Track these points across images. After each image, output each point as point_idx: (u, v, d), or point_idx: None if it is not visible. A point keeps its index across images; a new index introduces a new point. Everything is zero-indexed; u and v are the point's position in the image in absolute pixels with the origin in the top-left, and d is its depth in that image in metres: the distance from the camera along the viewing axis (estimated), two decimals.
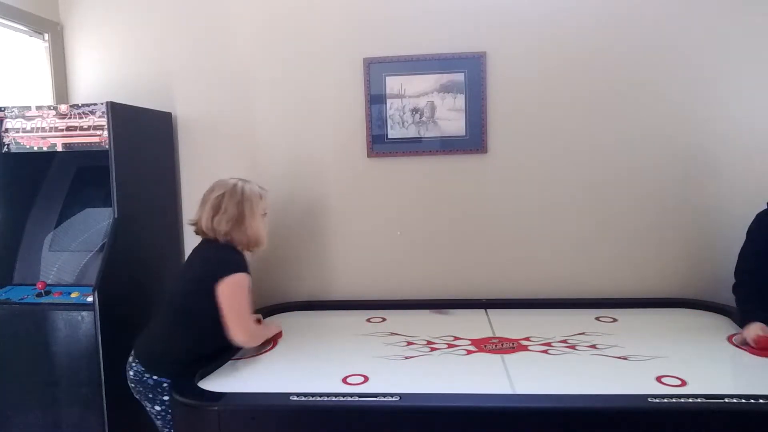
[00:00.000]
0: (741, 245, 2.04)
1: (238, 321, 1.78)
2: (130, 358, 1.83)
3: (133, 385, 1.81)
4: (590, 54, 2.42)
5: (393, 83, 2.51)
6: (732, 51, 2.35)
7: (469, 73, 2.46)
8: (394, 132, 2.53)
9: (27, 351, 2.14)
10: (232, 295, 1.78)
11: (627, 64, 2.40)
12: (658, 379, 1.61)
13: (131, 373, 1.81)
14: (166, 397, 1.74)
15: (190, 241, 2.70)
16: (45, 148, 2.22)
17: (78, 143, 2.20)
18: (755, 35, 2.34)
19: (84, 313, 2.08)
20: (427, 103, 2.50)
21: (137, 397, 1.82)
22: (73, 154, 2.26)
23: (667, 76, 2.39)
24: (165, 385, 1.75)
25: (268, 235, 2.02)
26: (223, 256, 1.86)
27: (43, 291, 2.15)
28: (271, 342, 2.03)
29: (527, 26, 2.43)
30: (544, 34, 2.43)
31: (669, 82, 2.39)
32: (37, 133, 2.22)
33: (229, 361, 1.87)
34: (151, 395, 1.77)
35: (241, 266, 1.83)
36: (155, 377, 1.76)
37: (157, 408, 1.77)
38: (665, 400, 1.42)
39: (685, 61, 2.37)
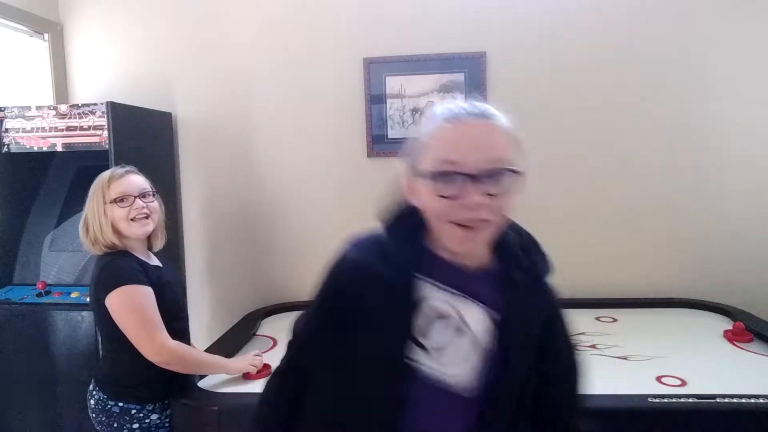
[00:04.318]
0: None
1: (140, 338, 1.49)
2: (90, 386, 1.62)
3: (94, 415, 1.59)
4: (590, 54, 2.42)
5: (393, 83, 2.50)
6: (733, 51, 2.35)
7: (469, 73, 2.46)
8: (394, 132, 2.53)
9: (27, 351, 2.14)
10: (121, 309, 1.49)
11: (627, 64, 2.40)
12: (658, 379, 1.61)
13: (92, 402, 1.60)
14: (135, 425, 1.55)
15: (191, 241, 2.71)
16: (45, 148, 2.22)
17: (78, 143, 2.20)
18: (756, 35, 2.34)
19: (84, 313, 2.08)
20: (427, 103, 2.50)
21: (98, 428, 1.59)
22: (73, 154, 2.26)
23: (667, 76, 2.39)
24: (134, 412, 1.55)
25: (154, 222, 1.64)
26: (98, 272, 1.56)
27: (43, 291, 2.15)
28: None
29: (527, 26, 2.43)
30: (544, 34, 2.43)
31: (669, 81, 2.39)
32: (37, 133, 2.22)
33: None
34: (116, 425, 1.55)
35: (124, 277, 1.51)
36: (120, 404, 1.55)
37: None
38: (665, 400, 1.42)
39: (685, 60, 2.37)
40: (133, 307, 1.50)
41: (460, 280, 0.88)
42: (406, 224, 0.90)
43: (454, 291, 0.87)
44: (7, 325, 2.14)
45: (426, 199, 0.84)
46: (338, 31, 2.53)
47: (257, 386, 1.67)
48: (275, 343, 2.06)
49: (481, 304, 0.88)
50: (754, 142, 2.37)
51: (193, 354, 1.65)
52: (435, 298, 0.86)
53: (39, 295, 2.14)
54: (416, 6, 2.48)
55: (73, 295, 2.12)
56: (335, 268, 0.94)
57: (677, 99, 2.39)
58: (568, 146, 2.46)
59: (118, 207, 1.56)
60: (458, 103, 0.89)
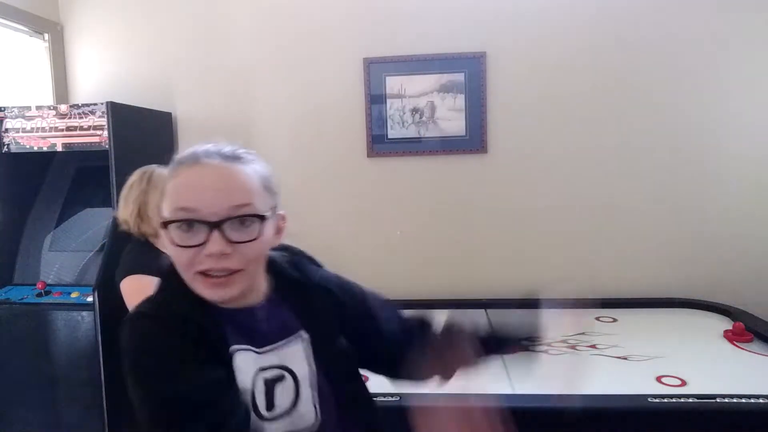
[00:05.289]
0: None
1: None
2: None
3: None
4: (590, 54, 2.42)
5: (393, 83, 2.50)
6: (734, 51, 2.35)
7: (469, 73, 2.46)
8: (394, 132, 2.53)
9: (27, 351, 2.14)
10: (128, 299, 1.62)
11: (628, 64, 2.40)
12: (658, 379, 1.61)
13: None
14: None
15: None
16: (45, 148, 2.22)
17: (78, 143, 2.19)
18: (757, 35, 2.34)
19: (84, 313, 2.08)
20: (427, 103, 2.50)
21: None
22: (73, 154, 2.26)
23: (667, 76, 2.39)
24: None
25: None
26: (124, 256, 1.72)
27: (43, 291, 2.14)
28: None
29: (527, 26, 2.43)
30: (544, 34, 2.43)
31: (670, 81, 2.39)
32: (37, 133, 2.22)
33: None
34: None
35: (136, 266, 1.64)
36: None
37: None
38: (665, 400, 1.42)
39: (686, 61, 2.37)
40: (137, 295, 1.56)
41: (253, 322, 0.83)
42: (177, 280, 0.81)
43: (261, 350, 0.82)
44: (7, 325, 2.14)
45: (169, 249, 0.78)
46: (338, 31, 2.53)
47: None
48: None
49: (292, 337, 0.86)
50: (754, 141, 2.37)
51: None
52: (253, 363, 0.81)
53: (39, 295, 2.14)
54: (416, 6, 2.48)
55: (73, 295, 2.12)
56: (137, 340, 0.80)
57: (678, 99, 2.39)
58: (568, 146, 2.46)
59: None
60: (203, 145, 0.83)
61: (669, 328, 2.12)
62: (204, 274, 0.77)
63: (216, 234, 0.75)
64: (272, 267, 0.90)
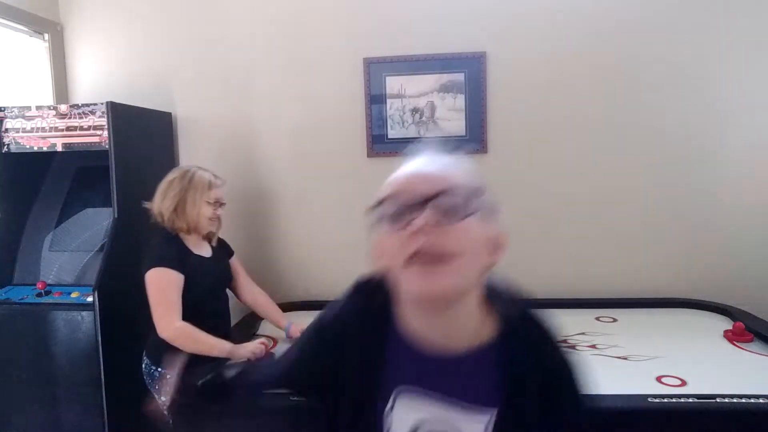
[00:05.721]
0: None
1: (156, 315, 1.77)
2: (143, 353, 1.90)
3: (145, 378, 1.88)
4: (591, 54, 2.41)
5: (393, 83, 2.50)
6: (734, 51, 2.35)
7: (469, 73, 2.46)
8: (394, 132, 2.53)
9: (27, 351, 2.14)
10: (151, 288, 1.77)
11: (628, 64, 2.40)
12: (658, 379, 1.61)
13: (143, 365, 1.88)
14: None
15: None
16: (45, 148, 2.22)
17: (78, 143, 2.20)
18: (758, 35, 2.34)
19: (84, 313, 2.08)
20: (427, 103, 2.50)
21: (150, 389, 1.88)
22: (73, 154, 2.26)
23: (668, 76, 2.39)
24: (169, 376, 1.77)
25: (219, 225, 2.01)
26: (152, 246, 1.86)
27: (43, 291, 2.15)
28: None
29: (527, 26, 2.43)
30: (544, 34, 2.43)
31: (670, 81, 2.39)
32: (37, 133, 2.22)
33: (229, 361, 1.86)
34: (158, 387, 1.82)
35: (163, 260, 1.79)
36: (160, 369, 1.82)
37: (163, 398, 1.78)
38: (665, 400, 1.42)
39: (686, 61, 2.37)
40: (157, 287, 1.77)
41: (439, 373, 0.77)
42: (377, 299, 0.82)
43: (444, 398, 0.75)
44: (7, 325, 2.14)
45: (382, 246, 0.78)
46: (338, 31, 2.53)
47: None
48: (275, 342, 2.06)
49: (477, 407, 0.75)
50: (754, 142, 2.37)
51: (197, 334, 1.76)
52: (417, 409, 0.76)
53: (39, 295, 2.14)
54: (416, 6, 2.48)
55: (73, 295, 2.13)
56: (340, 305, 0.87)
57: (678, 99, 2.39)
58: (568, 146, 2.46)
59: (208, 207, 1.91)
60: (426, 153, 0.84)
61: (669, 328, 2.11)
62: (414, 261, 0.72)
63: (424, 211, 0.72)
64: (496, 306, 0.79)
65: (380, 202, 0.78)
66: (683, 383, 1.58)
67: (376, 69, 2.50)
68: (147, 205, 1.92)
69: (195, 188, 1.89)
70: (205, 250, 1.97)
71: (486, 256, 0.76)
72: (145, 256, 1.82)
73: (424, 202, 0.73)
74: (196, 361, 1.77)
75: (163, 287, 1.77)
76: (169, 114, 2.63)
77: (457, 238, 0.72)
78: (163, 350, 1.79)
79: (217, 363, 1.84)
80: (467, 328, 0.77)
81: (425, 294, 0.73)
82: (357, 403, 0.80)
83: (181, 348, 1.72)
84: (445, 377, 0.76)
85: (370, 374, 0.79)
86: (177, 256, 1.83)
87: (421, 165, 0.80)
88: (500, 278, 0.84)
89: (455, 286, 0.73)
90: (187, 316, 1.78)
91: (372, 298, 0.84)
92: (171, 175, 1.93)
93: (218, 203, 1.96)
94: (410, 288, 0.74)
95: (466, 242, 0.73)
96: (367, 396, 0.79)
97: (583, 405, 0.83)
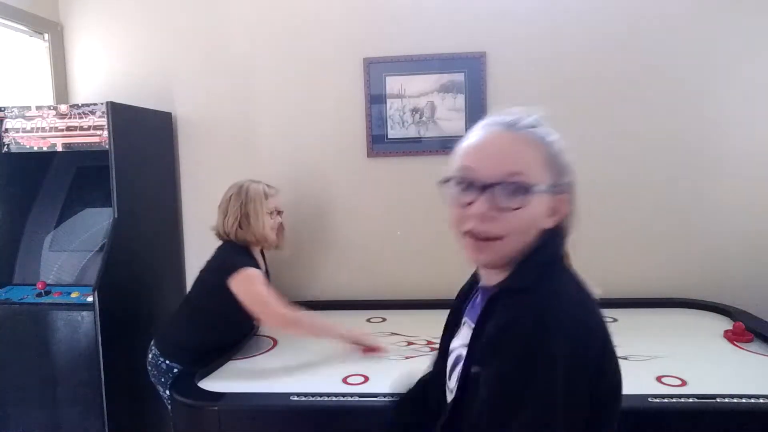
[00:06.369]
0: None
1: (261, 309, 1.85)
2: (151, 343, 1.95)
3: (150, 368, 1.93)
4: (591, 54, 2.42)
5: (393, 83, 2.50)
6: (734, 52, 2.35)
7: (469, 73, 2.46)
8: (394, 132, 2.53)
9: (27, 351, 2.14)
10: (245, 289, 1.85)
11: (628, 65, 2.40)
12: (658, 379, 1.61)
13: (150, 356, 1.93)
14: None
15: (191, 240, 2.71)
16: (45, 148, 2.22)
17: (78, 143, 2.19)
18: (758, 34, 2.34)
19: (84, 313, 2.08)
20: (427, 103, 2.50)
21: (152, 380, 1.93)
22: (73, 154, 2.26)
23: (668, 76, 2.39)
24: (175, 370, 1.85)
25: (283, 232, 2.15)
26: (226, 257, 1.95)
27: (43, 291, 2.15)
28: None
29: (527, 26, 2.43)
30: (544, 34, 2.43)
31: (671, 81, 2.39)
32: (37, 133, 2.22)
33: (230, 361, 1.87)
34: (163, 379, 1.88)
35: (243, 263, 1.89)
36: (168, 362, 1.87)
37: (168, 392, 1.82)
38: (665, 400, 1.42)
39: (686, 61, 2.37)
40: (251, 283, 1.86)
41: (473, 308, 0.94)
42: None
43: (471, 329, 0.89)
44: (7, 325, 2.14)
45: (450, 214, 0.87)
46: (338, 31, 2.53)
47: (257, 387, 1.67)
48: (275, 343, 2.06)
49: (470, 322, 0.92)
50: (753, 141, 2.37)
51: (301, 316, 1.89)
52: (459, 336, 0.97)
53: (39, 295, 2.14)
54: (416, 6, 2.48)
55: (73, 295, 2.12)
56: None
57: (678, 98, 2.39)
58: (567, 146, 2.45)
59: (269, 218, 2.02)
60: (503, 112, 0.89)
61: (669, 328, 2.12)
62: (469, 235, 0.82)
63: (484, 196, 0.80)
64: (525, 264, 0.83)
65: (448, 179, 0.87)
66: (683, 383, 1.58)
67: (376, 69, 2.50)
68: (213, 228, 2.03)
69: (253, 201, 1.99)
70: (262, 264, 2.09)
71: (543, 219, 0.84)
72: (220, 267, 1.91)
73: (483, 188, 0.80)
74: (202, 357, 1.81)
75: (254, 283, 1.86)
76: (169, 114, 2.63)
77: (504, 225, 0.80)
78: (178, 346, 1.90)
79: (225, 357, 1.87)
80: (497, 273, 0.87)
81: (474, 262, 0.88)
82: (444, 336, 1.00)
83: (290, 333, 1.92)
84: (473, 311, 0.91)
85: (456, 312, 0.99)
86: (250, 261, 1.95)
87: (494, 133, 0.86)
88: (557, 253, 0.90)
89: (499, 259, 0.84)
90: (232, 322, 1.93)
91: None
92: (227, 194, 2.02)
93: (276, 212, 2.06)
94: (465, 254, 0.86)
95: (514, 226, 0.81)
96: (450, 327, 0.99)
97: (518, 374, 0.74)
